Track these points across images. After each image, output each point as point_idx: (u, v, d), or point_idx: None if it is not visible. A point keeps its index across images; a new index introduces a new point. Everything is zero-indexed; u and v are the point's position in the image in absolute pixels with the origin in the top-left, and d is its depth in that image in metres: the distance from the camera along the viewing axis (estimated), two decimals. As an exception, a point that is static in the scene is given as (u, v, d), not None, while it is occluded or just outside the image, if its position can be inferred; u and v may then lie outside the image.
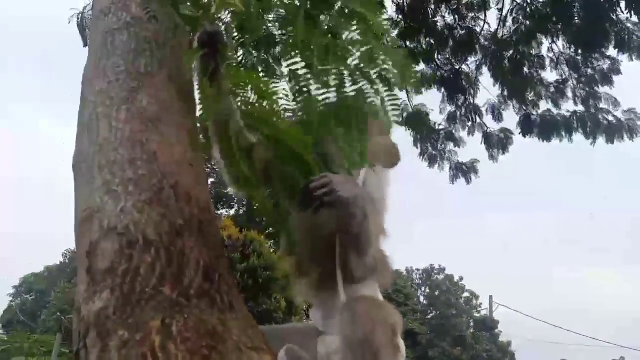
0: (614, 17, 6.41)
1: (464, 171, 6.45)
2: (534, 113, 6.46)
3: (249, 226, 10.33)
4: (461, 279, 26.38)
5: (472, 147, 6.73)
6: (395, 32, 7.06)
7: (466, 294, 26.56)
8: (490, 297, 23.91)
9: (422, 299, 26.09)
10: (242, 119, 1.50)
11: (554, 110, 6.68)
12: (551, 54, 6.79)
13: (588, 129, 6.19)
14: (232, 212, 16.95)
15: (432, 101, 7.20)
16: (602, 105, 6.36)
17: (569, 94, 6.57)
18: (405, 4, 7.09)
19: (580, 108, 6.59)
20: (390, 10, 7.12)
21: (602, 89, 6.40)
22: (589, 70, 6.61)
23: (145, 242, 1.21)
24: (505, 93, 6.58)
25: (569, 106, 6.81)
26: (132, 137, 1.47)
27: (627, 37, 6.43)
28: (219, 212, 16.05)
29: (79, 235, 1.35)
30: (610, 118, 6.45)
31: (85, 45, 6.23)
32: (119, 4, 1.88)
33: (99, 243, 1.23)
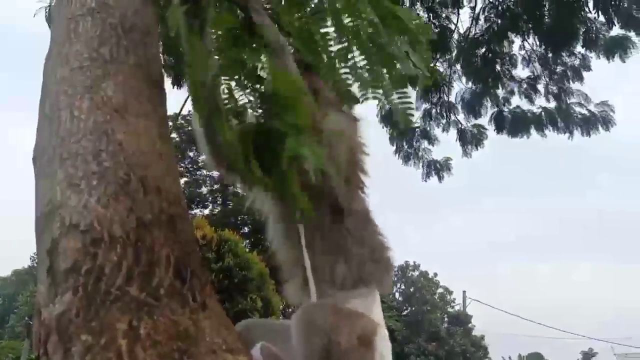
0: (582, 16, 6.57)
1: (437, 169, 6.50)
2: (506, 110, 6.57)
3: (224, 225, 10.19)
4: (435, 275, 26.75)
5: (445, 145, 6.80)
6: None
7: (440, 290, 26.96)
8: (464, 292, 24.39)
9: (397, 295, 26.34)
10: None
11: (525, 107, 6.82)
12: (522, 52, 6.92)
13: (559, 124, 6.33)
14: (207, 211, 16.73)
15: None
16: (573, 100, 6.51)
17: (541, 90, 6.70)
18: (379, 0, 7.09)
19: (550, 104, 6.74)
20: (366, 6, 7.12)
21: (574, 85, 6.55)
22: (560, 67, 6.76)
23: (111, 239, 1.13)
24: (478, 90, 6.67)
25: (541, 102, 6.96)
26: (96, 128, 1.37)
27: (594, 35, 6.60)
28: (193, 212, 15.81)
29: (39, 233, 1.25)
30: (584, 111, 6.61)
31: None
32: (82, -11, 1.76)
33: (60, 241, 1.14)
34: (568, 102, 6.54)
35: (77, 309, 1.00)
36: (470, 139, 6.45)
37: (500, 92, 6.72)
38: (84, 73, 1.51)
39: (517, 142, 6.99)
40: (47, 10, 5.95)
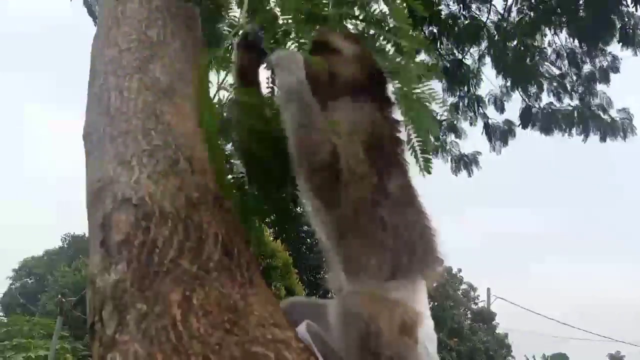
0: (619, 11, 6.38)
1: (466, 163, 6.43)
2: (535, 106, 6.44)
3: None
4: (459, 270, 26.55)
5: (471, 139, 6.71)
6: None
7: (464, 286, 26.77)
8: (488, 289, 24.14)
9: (420, 290, 26.27)
10: None
11: (556, 104, 6.67)
12: (552, 47, 6.75)
13: (585, 126, 6.20)
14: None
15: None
16: (596, 102, 6.36)
17: (569, 88, 6.55)
18: (409, -9, 7.01)
19: (572, 104, 6.58)
20: (395, -3, 7.04)
21: (599, 87, 6.39)
22: (588, 66, 6.59)
23: (162, 214, 1.16)
24: (508, 84, 6.55)
25: (568, 100, 6.80)
26: (146, 108, 1.41)
27: (631, 31, 6.40)
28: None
29: (91, 207, 1.30)
30: (605, 117, 6.45)
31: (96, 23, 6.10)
32: (129, -28, 1.80)
33: (113, 214, 1.19)
34: (592, 103, 6.38)
35: (132, 279, 1.04)
36: (498, 135, 6.35)
37: (531, 88, 6.59)
38: (133, 54, 1.55)
39: (544, 137, 6.86)
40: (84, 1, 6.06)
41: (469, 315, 25.30)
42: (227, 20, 1.97)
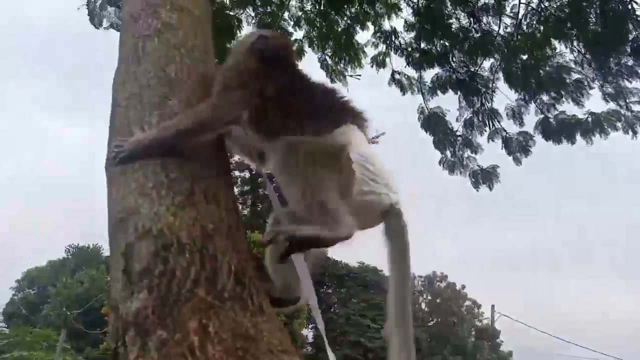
0: (631, 24, 6.36)
1: (485, 177, 6.41)
2: (551, 116, 6.42)
3: (253, 227, 10.38)
4: (463, 287, 26.36)
5: (487, 153, 6.70)
6: (412, 34, 7.08)
7: (468, 303, 26.54)
8: (492, 306, 23.77)
9: (423, 305, 26.09)
10: None
11: (569, 113, 6.63)
12: (572, 56, 6.73)
13: (623, 125, 6.10)
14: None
15: (449, 106, 7.18)
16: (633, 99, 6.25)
17: (593, 92, 6.48)
18: (420, 6, 7.10)
19: (597, 109, 6.50)
20: (406, 12, 7.14)
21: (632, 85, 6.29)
22: (613, 68, 6.52)
23: (180, 245, 1.25)
24: (523, 96, 6.55)
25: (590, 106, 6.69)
26: (164, 142, 1.51)
27: (644, 43, 6.37)
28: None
29: (113, 235, 1.39)
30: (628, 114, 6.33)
31: (96, 26, 6.37)
32: (148, 10, 1.92)
33: (135, 244, 1.28)
34: (627, 101, 6.29)
35: (153, 307, 1.13)
36: (517, 147, 6.33)
37: (546, 97, 6.57)
38: (152, 90, 1.66)
39: (545, 151, 6.80)
40: (87, 6, 6.28)
41: (473, 332, 25.00)
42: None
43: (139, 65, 1.75)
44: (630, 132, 6.24)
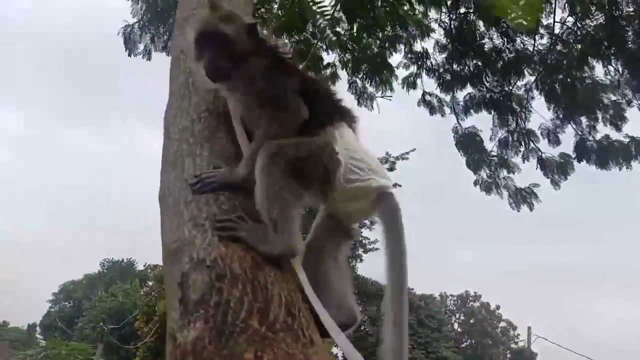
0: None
1: (524, 197, 6.29)
2: (590, 138, 6.27)
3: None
4: (498, 307, 25.55)
5: (529, 174, 6.57)
6: (444, 55, 7.10)
7: (503, 324, 25.67)
8: (529, 328, 22.96)
9: (456, 326, 25.40)
10: None
11: (613, 137, 6.45)
12: (609, 77, 6.59)
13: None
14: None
15: (485, 126, 7.12)
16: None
17: (630, 116, 6.32)
18: (453, 27, 7.12)
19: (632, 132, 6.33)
20: (438, 33, 7.18)
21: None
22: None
23: (233, 276, 1.30)
24: (560, 116, 6.44)
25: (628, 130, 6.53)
26: (215, 174, 1.58)
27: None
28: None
29: (168, 264, 1.46)
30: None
31: (129, 54, 6.70)
32: (198, 46, 2.02)
33: (190, 274, 1.34)
34: None
35: (209, 337, 1.18)
36: (555, 168, 6.20)
37: (584, 119, 6.44)
38: (203, 124, 1.74)
39: (585, 168, 6.61)
40: (125, 30, 6.60)
41: (509, 355, 24.07)
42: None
43: (190, 100, 1.85)
44: None
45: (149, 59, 6.73)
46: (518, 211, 6.41)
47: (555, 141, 6.32)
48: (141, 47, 6.69)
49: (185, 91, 1.89)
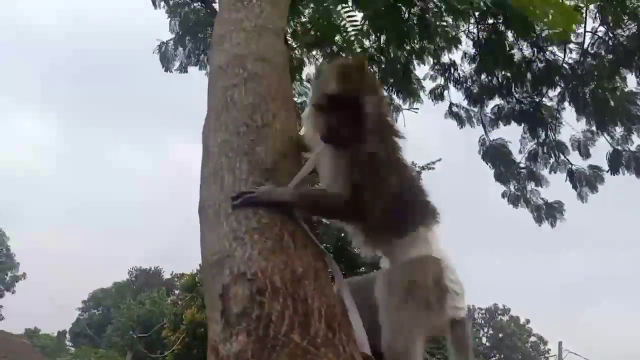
0: None
1: (550, 212, 6.16)
2: (626, 149, 6.09)
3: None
4: (527, 321, 24.81)
5: (553, 186, 6.43)
6: (472, 67, 7.05)
7: (533, 338, 24.89)
8: (560, 343, 22.28)
9: (484, 340, 24.74)
10: None
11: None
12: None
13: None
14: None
15: (512, 138, 7.01)
16: None
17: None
18: (481, 38, 7.06)
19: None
20: (465, 44, 7.13)
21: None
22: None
23: (273, 289, 1.31)
24: (593, 128, 6.29)
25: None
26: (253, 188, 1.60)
27: None
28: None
29: (209, 277, 1.48)
30: None
31: (165, 70, 6.88)
32: (235, 61, 2.07)
33: (231, 287, 1.35)
34: None
35: (252, 350, 1.19)
36: (584, 181, 6.06)
37: (617, 130, 6.28)
38: (241, 138, 1.77)
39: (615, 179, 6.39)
40: (162, 47, 6.79)
41: None
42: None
43: (228, 114, 1.88)
44: None
45: (185, 71, 6.89)
46: (539, 225, 6.27)
47: (585, 153, 6.16)
48: (177, 63, 6.84)
49: (224, 106, 1.92)
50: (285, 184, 1.64)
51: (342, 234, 15.92)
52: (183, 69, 6.90)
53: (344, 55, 6.04)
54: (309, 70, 6.02)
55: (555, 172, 6.27)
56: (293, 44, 5.80)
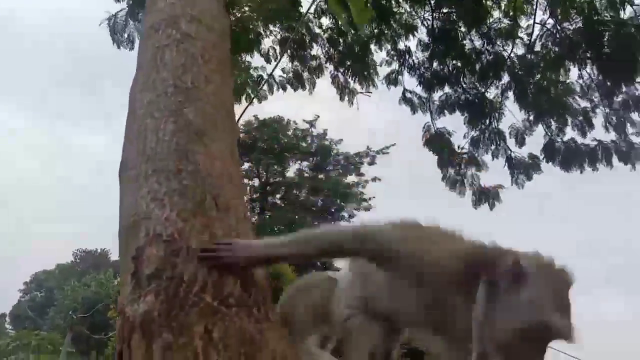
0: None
1: (487, 196, 6.41)
2: (559, 140, 6.41)
3: (261, 235, 10.37)
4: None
5: (494, 173, 6.67)
6: (426, 54, 7.16)
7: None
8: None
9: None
10: None
11: (579, 139, 6.62)
12: (580, 81, 6.74)
13: (617, 157, 6.11)
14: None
15: (457, 125, 7.21)
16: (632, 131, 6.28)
17: (598, 121, 6.49)
18: (435, 26, 7.17)
19: (606, 137, 6.50)
20: (421, 32, 7.22)
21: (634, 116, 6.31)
22: (621, 97, 6.53)
23: (189, 252, 1.27)
24: (531, 118, 6.56)
25: (596, 134, 6.71)
26: (178, 149, 1.55)
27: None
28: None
29: (124, 239, 1.42)
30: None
31: (117, 46, 6.52)
32: (169, 21, 1.98)
33: (145, 249, 1.30)
34: (628, 134, 6.30)
35: (159, 310, 1.14)
36: (522, 169, 6.33)
37: (554, 121, 6.58)
38: (169, 98, 1.70)
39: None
40: (110, 20, 6.44)
41: None
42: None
43: (158, 74, 1.80)
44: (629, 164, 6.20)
45: (132, 48, 6.55)
46: (475, 209, 6.51)
47: (521, 142, 6.44)
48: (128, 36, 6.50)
49: (153, 65, 1.84)
50: (211, 146, 1.58)
51: (296, 216, 16.05)
52: (130, 44, 6.56)
53: (300, 33, 5.96)
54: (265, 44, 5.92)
55: (497, 158, 6.51)
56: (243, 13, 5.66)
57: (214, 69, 1.87)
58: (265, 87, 6.57)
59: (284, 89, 6.89)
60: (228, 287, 1.22)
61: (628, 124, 6.48)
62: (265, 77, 6.46)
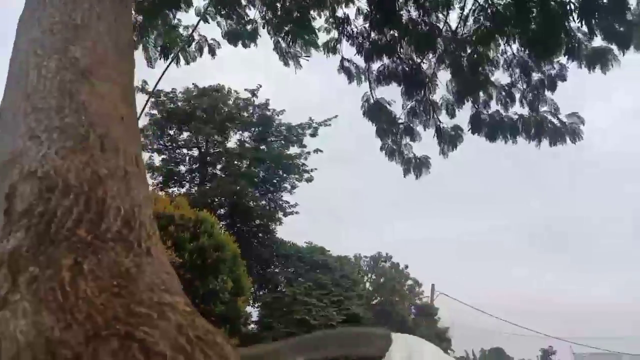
0: (567, 26, 6.72)
1: (415, 165, 6.63)
2: (484, 112, 6.70)
3: (201, 206, 10.23)
4: (406, 267, 27.16)
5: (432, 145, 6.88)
6: (367, 24, 7.16)
7: (410, 282, 27.45)
8: (432, 285, 24.97)
9: (367, 285, 26.64)
10: None
11: (502, 112, 6.97)
12: (504, 56, 7.04)
13: (532, 132, 6.49)
14: (183, 190, 16.61)
15: (397, 96, 7.34)
16: (545, 109, 6.68)
17: (517, 96, 6.84)
18: (375, -5, 7.16)
19: (526, 111, 6.88)
20: (361, 0, 7.19)
21: (548, 94, 6.71)
22: (538, 74, 6.90)
23: (65, 187, 1.22)
24: (460, 90, 6.79)
25: (517, 109, 7.11)
26: (61, 87, 1.46)
27: (577, 45, 6.75)
28: (170, 190, 15.73)
29: (0, 179, 1.34)
30: (555, 121, 6.78)
31: None
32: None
33: (19, 186, 1.23)
34: (540, 110, 6.70)
35: (28, 245, 1.10)
36: (447, 139, 6.59)
37: (481, 94, 6.86)
38: (55, 35, 1.59)
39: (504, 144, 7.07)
40: None
41: (413, 310, 26.12)
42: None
43: (44, 10, 1.67)
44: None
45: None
46: (404, 177, 6.76)
47: (452, 113, 6.70)
48: None
49: (40, 1, 1.71)
50: (101, 86, 1.51)
51: (238, 187, 15.85)
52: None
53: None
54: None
55: (428, 129, 6.73)
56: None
57: (109, 7, 1.76)
58: (194, 48, 6.32)
59: (213, 53, 6.65)
60: (106, 223, 1.19)
61: (541, 101, 6.90)
62: (197, 38, 6.21)
